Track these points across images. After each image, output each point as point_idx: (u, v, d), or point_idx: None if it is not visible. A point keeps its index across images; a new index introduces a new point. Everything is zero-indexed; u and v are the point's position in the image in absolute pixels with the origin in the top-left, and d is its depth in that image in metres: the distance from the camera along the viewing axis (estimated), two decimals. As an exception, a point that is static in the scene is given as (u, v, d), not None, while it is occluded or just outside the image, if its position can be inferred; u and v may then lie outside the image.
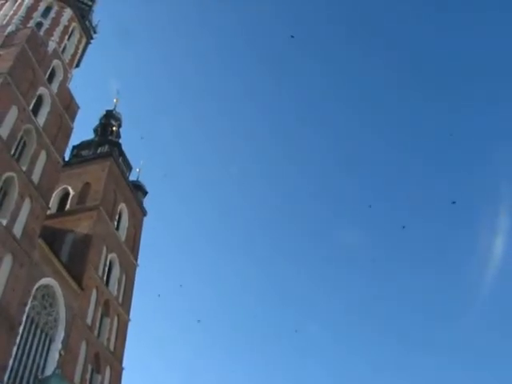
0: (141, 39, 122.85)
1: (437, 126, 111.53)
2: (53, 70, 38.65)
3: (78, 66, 44.49)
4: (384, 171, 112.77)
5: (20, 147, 33.45)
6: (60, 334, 32.80)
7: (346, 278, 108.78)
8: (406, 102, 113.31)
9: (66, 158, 44.90)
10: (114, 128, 52.82)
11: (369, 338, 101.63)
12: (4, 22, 39.26)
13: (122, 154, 48.87)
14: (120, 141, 51.55)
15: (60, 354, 32.05)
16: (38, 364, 30.95)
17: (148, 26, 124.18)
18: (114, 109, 54.81)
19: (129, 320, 41.92)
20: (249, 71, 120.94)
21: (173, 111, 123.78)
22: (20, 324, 29.42)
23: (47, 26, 40.67)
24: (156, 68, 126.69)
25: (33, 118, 34.55)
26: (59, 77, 39.13)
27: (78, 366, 33.99)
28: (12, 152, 31.92)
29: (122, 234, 44.42)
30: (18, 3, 41.32)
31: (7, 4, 41.60)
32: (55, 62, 39.03)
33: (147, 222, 49.78)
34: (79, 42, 44.00)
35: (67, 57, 41.58)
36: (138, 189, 49.84)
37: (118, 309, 40.54)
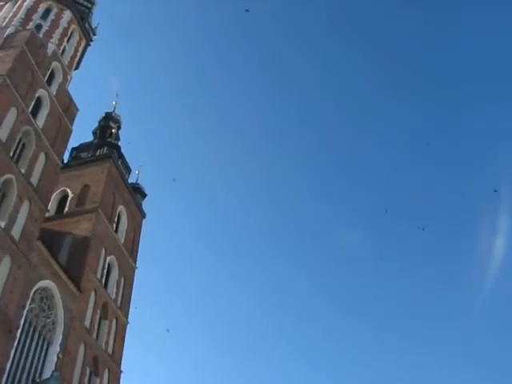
0: (140, 40, 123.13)
1: (437, 127, 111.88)
2: (52, 72, 38.61)
3: (77, 68, 44.48)
4: (384, 172, 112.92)
5: (19, 149, 33.35)
6: (58, 337, 32.65)
7: (345, 278, 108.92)
8: (405, 103, 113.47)
9: (65, 160, 44.87)
10: (113, 130, 52.81)
11: (368, 338, 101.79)
12: (3, 24, 39.24)
13: (121, 156, 48.82)
14: (119, 143, 51.56)
15: (58, 357, 31.90)
16: (35, 367, 30.76)
17: (148, 26, 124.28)
18: (114, 111, 54.86)
19: (127, 323, 41.81)
20: (248, 71, 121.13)
21: (172, 113, 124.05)
22: (18, 327, 29.25)
23: (47, 28, 40.67)
24: (155, 69, 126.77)
25: (32, 119, 34.47)
26: (58, 79, 39.09)
27: (76, 369, 33.83)
28: (11, 154, 31.82)
29: (121, 236, 44.32)
30: (17, 5, 41.32)
31: (7, 6, 41.60)
32: (54, 64, 38.98)
33: (146, 224, 49.78)
34: (79, 44, 43.99)
35: (66, 59, 41.55)
36: (137, 191, 49.76)
37: (116, 311, 40.41)
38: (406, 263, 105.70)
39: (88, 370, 35.25)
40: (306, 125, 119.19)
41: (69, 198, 42.04)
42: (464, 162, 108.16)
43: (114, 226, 43.47)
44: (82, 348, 34.72)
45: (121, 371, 39.35)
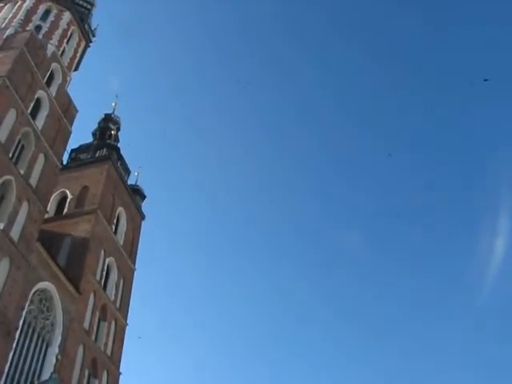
0: (140, 40, 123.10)
1: (437, 127, 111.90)
2: (51, 73, 38.60)
3: (76, 69, 44.49)
4: (383, 173, 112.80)
5: (18, 150, 33.32)
6: (57, 339, 32.58)
7: (345, 279, 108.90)
8: (405, 103, 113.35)
9: (65, 162, 44.87)
10: (113, 132, 52.80)
11: (368, 339, 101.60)
12: (3, 25, 39.23)
13: (120, 157, 48.78)
14: (118, 144, 51.54)
15: (57, 359, 31.82)
16: (34, 369, 30.69)
17: (148, 26, 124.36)
18: (113, 112, 54.86)
19: (126, 324, 41.74)
20: (248, 71, 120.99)
21: (172, 113, 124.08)
22: (17, 328, 29.19)
23: (46, 30, 40.69)
24: (155, 69, 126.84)
25: (31, 121, 34.45)
26: (58, 80, 39.08)
27: (75, 371, 33.76)
28: (10, 155, 31.80)
29: (120, 238, 44.28)
30: (17, 6, 41.33)
31: (6, 7, 41.62)
32: (54, 65, 38.98)
33: (145, 226, 49.74)
34: (78, 45, 44.01)
35: (66, 60, 41.54)
36: (137, 193, 49.72)
37: (115, 313, 40.34)
38: (405, 264, 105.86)
39: (87, 372, 35.18)
40: (305, 125, 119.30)
41: (68, 200, 42.00)
42: (464, 163, 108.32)
43: (114, 227, 43.41)
44: (80, 350, 34.66)
45: (120, 373, 39.29)
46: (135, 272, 45.14)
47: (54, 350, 32.13)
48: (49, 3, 42.26)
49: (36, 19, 40.68)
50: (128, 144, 55.21)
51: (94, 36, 46.32)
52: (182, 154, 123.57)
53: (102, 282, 39.53)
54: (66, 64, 41.31)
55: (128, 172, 50.17)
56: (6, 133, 31.64)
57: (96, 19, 47.26)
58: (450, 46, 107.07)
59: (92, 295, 37.28)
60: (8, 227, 29.85)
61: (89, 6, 45.97)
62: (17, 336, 29.22)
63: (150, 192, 53.54)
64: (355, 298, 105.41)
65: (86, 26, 45.40)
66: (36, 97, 35.72)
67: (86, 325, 35.96)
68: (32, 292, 31.04)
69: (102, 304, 38.64)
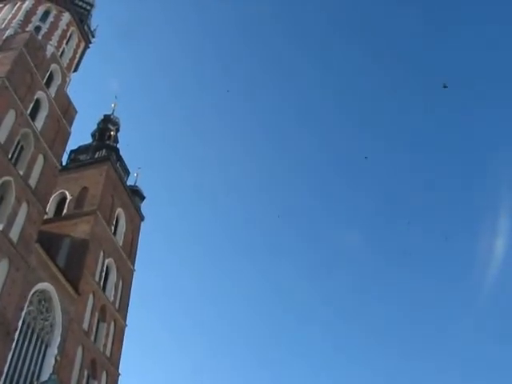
0: (140, 41, 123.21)
1: (437, 128, 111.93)
2: (51, 74, 38.60)
3: (76, 70, 44.51)
4: (383, 173, 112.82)
5: (17, 151, 33.34)
6: (56, 340, 32.56)
7: (345, 279, 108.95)
8: (405, 103, 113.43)
9: (64, 163, 44.82)
10: (112, 133, 52.78)
11: (368, 339, 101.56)
12: (2, 26, 39.25)
13: (119, 158, 48.78)
14: (118, 145, 51.54)
15: (56, 360, 31.83)
16: (33, 369, 30.68)
17: (147, 27, 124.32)
18: (112, 113, 54.84)
19: (125, 325, 41.73)
20: (248, 72, 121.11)
21: (171, 114, 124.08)
22: (16, 329, 29.18)
23: (46, 30, 40.70)
24: (154, 70, 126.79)
25: (30, 122, 34.45)
26: (57, 81, 39.08)
27: (74, 372, 33.76)
28: (9, 156, 31.81)
29: (120, 238, 44.27)
30: (16, 7, 41.34)
31: (6, 8, 41.64)
32: (53, 66, 38.98)
33: (145, 226, 49.75)
34: (77, 46, 44.03)
35: (65, 61, 41.54)
36: (136, 194, 49.72)
37: (114, 314, 40.33)
38: (405, 264, 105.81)
39: (86, 373, 35.18)
40: (305, 125, 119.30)
41: (67, 201, 42.00)
42: (464, 163, 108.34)
43: (113, 228, 43.40)
44: (79, 350, 34.65)
45: (119, 374, 39.28)
46: (134, 273, 45.18)
47: (53, 350, 32.12)
48: (48, 4, 42.28)
49: (35, 20, 40.70)
50: (127, 145, 55.22)
51: (93, 37, 46.35)
52: (182, 154, 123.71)
53: (102, 283, 39.52)
54: (66, 65, 41.32)
55: (127, 173, 50.16)
56: (5, 134, 31.65)
57: (95, 20, 47.39)
58: (450, 46, 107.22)
59: (91, 296, 37.27)
60: (7, 228, 29.85)
61: (88, 7, 46.00)
62: (16, 337, 29.21)
63: (150, 193, 53.75)
64: (355, 298, 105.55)
65: (86, 26, 45.44)
66: (35, 98, 35.73)
67: (85, 326, 35.95)
68: (31, 293, 31.03)
69: (101, 305, 38.63)
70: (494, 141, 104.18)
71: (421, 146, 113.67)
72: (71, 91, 41.53)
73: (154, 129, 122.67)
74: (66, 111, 38.99)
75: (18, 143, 33.46)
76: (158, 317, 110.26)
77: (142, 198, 50.74)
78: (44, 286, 32.34)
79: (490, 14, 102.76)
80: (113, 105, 55.52)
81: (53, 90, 38.17)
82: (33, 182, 33.32)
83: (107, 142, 50.84)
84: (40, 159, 34.63)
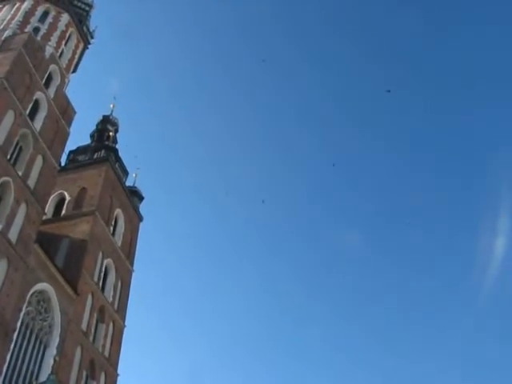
0: (139, 42, 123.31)
1: (437, 127, 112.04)
2: (50, 74, 38.64)
3: (75, 71, 44.60)
4: (383, 172, 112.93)
5: (16, 152, 33.37)
6: (55, 340, 32.57)
7: (344, 279, 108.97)
8: (405, 103, 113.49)
9: (63, 163, 44.81)
10: (111, 133, 52.82)
11: (368, 340, 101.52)
12: (1, 27, 39.31)
13: (118, 159, 48.82)
14: (117, 146, 51.55)
15: (55, 360, 31.82)
16: (32, 370, 30.68)
17: (146, 28, 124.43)
18: (111, 114, 54.83)
19: (124, 326, 41.74)
20: (247, 72, 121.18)
21: (170, 115, 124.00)
22: (15, 330, 29.19)
23: (44, 31, 40.74)
24: (154, 71, 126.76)
25: (29, 122, 34.48)
26: (56, 82, 39.12)
27: (73, 372, 33.76)
28: (8, 157, 31.83)
29: (118, 239, 44.29)
30: (15, 8, 41.38)
31: (5, 8, 41.69)
32: (52, 66, 39.02)
33: (143, 227, 49.76)
34: (76, 47, 44.07)
35: (64, 62, 41.60)
36: (135, 194, 49.76)
37: (113, 315, 40.35)
38: (405, 264, 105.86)
39: (84, 373, 35.19)
40: (305, 125, 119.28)
41: (66, 201, 42.00)
42: (464, 163, 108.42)
43: (111, 229, 43.43)
44: (78, 351, 34.65)
45: (117, 374, 39.30)
46: (133, 273, 45.20)
47: (52, 351, 32.12)
48: (47, 5, 42.32)
49: (34, 21, 40.73)
50: (126, 145, 55.28)
51: (92, 38, 46.42)
52: (181, 155, 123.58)
53: (100, 284, 39.54)
54: (65, 66, 41.37)
55: (126, 173, 50.20)
56: (4, 134, 31.68)
57: (94, 21, 47.47)
58: (450, 45, 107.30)
59: (90, 297, 37.28)
60: (6, 229, 29.86)
61: (87, 8, 46.06)
62: (14, 337, 29.22)
63: (148, 193, 53.65)
64: (355, 298, 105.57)
65: (85, 27, 45.50)
66: (34, 98, 35.76)
67: (84, 326, 35.96)
68: (30, 293, 31.04)
69: (99, 305, 38.64)
70: (494, 141, 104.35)
71: (421, 146, 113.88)
72: (70, 92, 41.68)
73: (153, 129, 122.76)
74: (64, 112, 39.02)
75: (17, 144, 33.48)
76: (157, 317, 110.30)
77: (141, 198, 50.78)
78: (43, 286, 32.35)
79: (490, 13, 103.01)
80: (111, 105, 55.59)
81: (52, 91, 38.21)
82: (32, 182, 33.34)
83: (106, 143, 50.86)
84: (39, 160, 34.65)
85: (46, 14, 41.99)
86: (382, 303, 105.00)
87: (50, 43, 40.11)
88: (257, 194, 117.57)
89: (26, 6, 41.34)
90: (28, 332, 30.94)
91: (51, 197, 39.37)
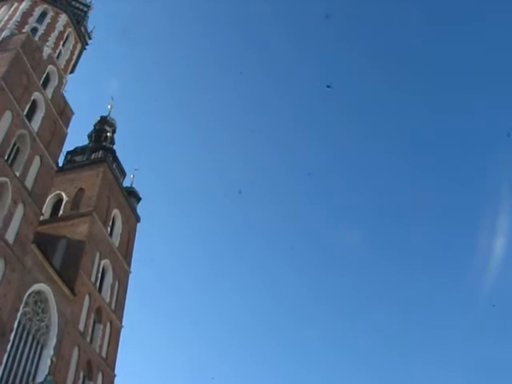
0: (138, 42, 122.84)
1: (437, 127, 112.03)
2: (47, 75, 38.65)
3: (72, 71, 44.61)
4: (383, 172, 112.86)
5: (14, 152, 33.38)
6: (52, 341, 32.54)
7: (343, 280, 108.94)
8: (405, 103, 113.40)
9: (60, 164, 44.82)
10: (109, 134, 52.84)
11: (367, 340, 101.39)
12: (-1, 27, 39.29)
13: (116, 159, 48.84)
14: (114, 147, 51.57)
15: (52, 361, 31.79)
16: (29, 371, 30.64)
17: (145, 28, 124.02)
18: (109, 115, 54.84)
19: (121, 327, 41.75)
20: (247, 73, 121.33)
21: (169, 115, 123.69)
22: (11, 330, 29.16)
23: (42, 32, 40.71)
24: (152, 71, 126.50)
25: (27, 123, 34.48)
26: (54, 82, 39.13)
27: (70, 373, 33.73)
28: (5, 157, 31.83)
29: (116, 240, 44.30)
30: (13, 8, 41.38)
31: (2, 9, 41.68)
32: (50, 67, 39.04)
33: (141, 228, 49.78)
34: (74, 47, 44.08)
35: (62, 62, 41.61)
36: (132, 195, 49.79)
37: (110, 315, 40.35)
38: (405, 264, 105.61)
39: (82, 374, 35.16)
40: (305, 125, 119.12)
41: (63, 202, 42.01)
42: (464, 163, 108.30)
43: (109, 229, 43.44)
44: (75, 352, 34.65)
45: (114, 375, 39.27)
46: (130, 274, 45.22)
47: (49, 352, 32.09)
48: (45, 5, 42.33)
49: (32, 21, 40.71)
50: (124, 146, 55.25)
51: (90, 38, 46.42)
52: (179, 155, 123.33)
53: (98, 284, 39.53)
54: (62, 66, 41.38)
55: (123, 174, 50.25)
56: (1, 135, 31.68)
57: (93, 21, 47.46)
58: (449, 45, 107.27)
59: (87, 297, 37.28)
60: (3, 229, 29.84)
61: (85, 9, 46.10)
62: (11, 338, 29.18)
63: (146, 194, 53.62)
64: (355, 298, 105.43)
65: (83, 28, 45.52)
66: (32, 99, 35.77)
67: (81, 327, 35.95)
68: (27, 294, 31.02)
69: (97, 306, 38.65)
70: (494, 141, 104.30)
71: (421, 146, 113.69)
72: (68, 92, 41.64)
73: (151, 130, 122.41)
74: (62, 112, 39.05)
75: (15, 144, 33.49)
76: (154, 318, 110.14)
77: (139, 199, 50.80)
78: (40, 287, 32.34)
79: (490, 13, 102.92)
80: (109, 106, 55.60)
81: (49, 92, 38.23)
82: (29, 183, 33.34)
83: (103, 144, 50.88)
84: (36, 160, 34.66)
85: (43, 14, 41.98)
86: (381, 303, 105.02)
87: (47, 44, 40.09)
88: (257, 195, 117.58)
89: (23, 6, 41.35)
90: (25, 332, 30.92)
91: (49, 197, 39.36)
